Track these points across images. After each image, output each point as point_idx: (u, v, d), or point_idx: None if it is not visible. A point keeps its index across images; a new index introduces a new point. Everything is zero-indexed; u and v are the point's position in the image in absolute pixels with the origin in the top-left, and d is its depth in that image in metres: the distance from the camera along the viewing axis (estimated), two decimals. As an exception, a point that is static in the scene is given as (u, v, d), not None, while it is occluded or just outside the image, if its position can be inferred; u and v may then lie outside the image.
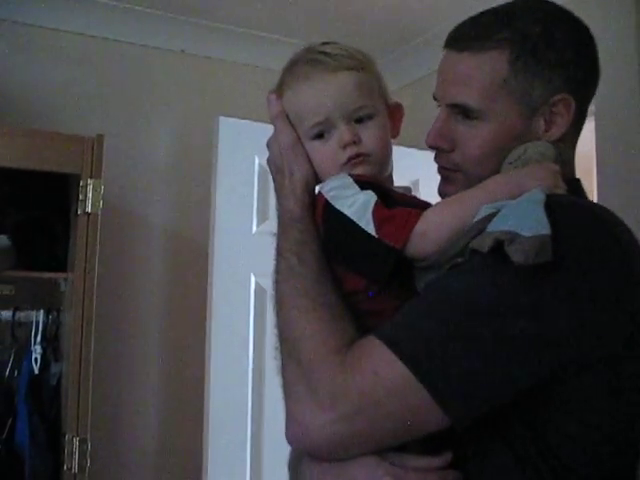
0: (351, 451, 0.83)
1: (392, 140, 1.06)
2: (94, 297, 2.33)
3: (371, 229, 0.89)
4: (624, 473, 0.87)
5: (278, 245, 0.99)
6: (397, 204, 0.93)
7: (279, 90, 1.05)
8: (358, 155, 0.98)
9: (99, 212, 2.38)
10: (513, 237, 0.77)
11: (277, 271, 0.97)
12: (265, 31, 3.15)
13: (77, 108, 2.86)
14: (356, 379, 0.80)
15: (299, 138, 1.02)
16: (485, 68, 0.98)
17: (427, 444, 0.84)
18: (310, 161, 1.01)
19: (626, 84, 1.87)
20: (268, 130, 2.75)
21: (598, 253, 0.81)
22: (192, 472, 2.60)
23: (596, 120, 2.04)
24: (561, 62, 0.97)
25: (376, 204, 0.91)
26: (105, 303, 2.59)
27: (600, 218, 0.86)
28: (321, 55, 1.01)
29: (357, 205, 0.91)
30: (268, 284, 2.82)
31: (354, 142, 0.98)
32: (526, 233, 0.77)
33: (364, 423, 0.80)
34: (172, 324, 2.94)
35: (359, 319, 0.91)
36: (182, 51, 3.10)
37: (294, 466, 1.00)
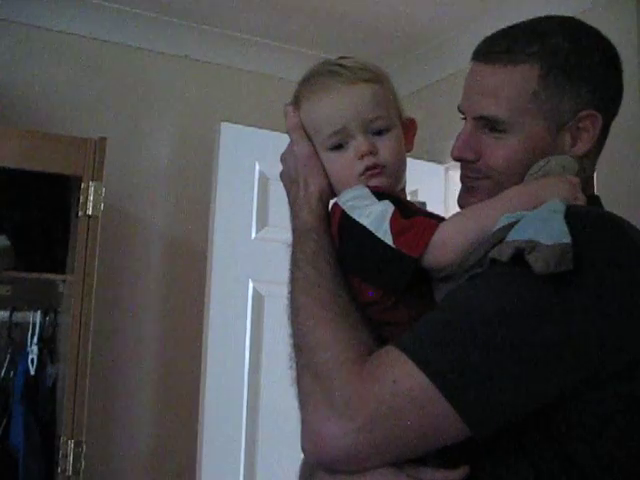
0: (369, 463, 0.81)
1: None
2: (92, 299, 2.33)
3: (389, 239, 0.89)
4: None
5: (293, 255, 0.99)
6: (414, 214, 0.94)
7: (296, 102, 1.06)
8: (375, 166, 0.98)
9: (99, 214, 2.38)
10: (533, 246, 0.77)
11: (292, 281, 0.97)
12: (269, 38, 3.17)
13: (80, 110, 2.86)
14: (375, 389, 0.79)
15: (315, 150, 1.02)
16: (515, 81, 0.98)
17: (445, 458, 0.83)
18: (325, 174, 1.02)
19: (626, 96, 1.88)
20: (269, 137, 2.76)
21: (619, 262, 0.81)
22: (187, 476, 2.60)
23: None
24: (590, 78, 0.98)
25: (393, 214, 0.91)
26: (103, 305, 2.59)
27: (620, 227, 0.85)
28: (338, 67, 1.01)
29: (374, 215, 0.91)
30: (266, 290, 2.85)
31: (371, 153, 0.98)
32: (547, 242, 0.76)
33: (383, 433, 0.78)
34: (169, 328, 2.94)
35: (375, 329, 0.90)
36: (185, 56, 3.11)
37: (303, 469, 0.98)
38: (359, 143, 0.98)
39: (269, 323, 2.62)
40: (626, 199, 1.86)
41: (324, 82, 1.01)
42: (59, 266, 2.49)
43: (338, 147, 1.00)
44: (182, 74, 3.11)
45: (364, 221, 0.92)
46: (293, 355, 0.92)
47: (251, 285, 2.62)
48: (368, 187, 0.97)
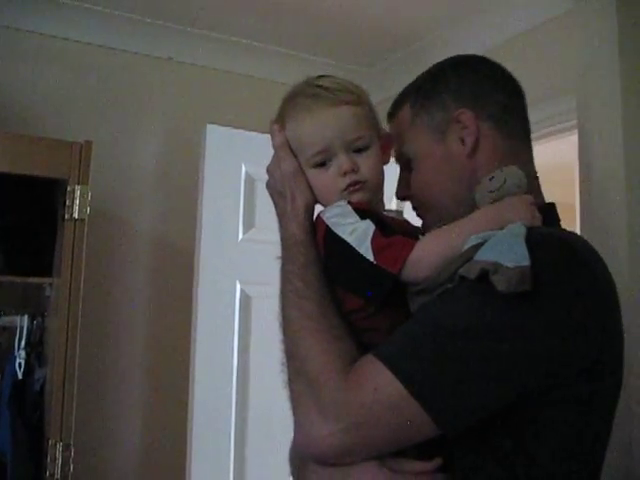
0: (354, 457, 0.93)
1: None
2: (79, 303, 2.33)
3: (370, 256, 0.98)
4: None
5: (283, 267, 1.08)
6: (393, 232, 1.02)
7: (281, 120, 1.13)
8: (356, 183, 1.07)
9: (86, 218, 2.38)
10: (497, 267, 0.86)
11: (283, 293, 1.06)
12: (254, 40, 3.17)
13: (65, 114, 2.86)
14: (358, 395, 0.90)
15: (300, 166, 1.10)
16: (401, 122, 1.17)
17: (422, 450, 0.94)
18: (310, 188, 1.10)
19: (608, 97, 1.90)
20: (255, 139, 2.76)
21: (572, 283, 0.91)
22: (176, 479, 2.60)
23: (579, 132, 2.08)
24: (446, 89, 1.14)
25: (374, 233, 1.00)
26: (90, 309, 2.59)
27: (574, 250, 0.95)
28: (320, 89, 1.09)
29: (357, 233, 1.00)
30: (253, 291, 2.86)
31: (353, 170, 1.07)
32: (509, 264, 0.86)
33: (365, 434, 0.90)
34: (157, 330, 2.94)
35: (357, 335, 1.01)
36: (170, 58, 3.11)
37: (296, 464, 1.10)
38: (341, 162, 1.07)
39: (257, 324, 2.63)
40: (607, 208, 1.88)
41: (307, 104, 1.09)
42: (46, 270, 2.48)
43: (322, 164, 1.09)
44: (168, 76, 3.11)
45: (347, 238, 1.01)
46: (285, 360, 1.02)
47: (238, 286, 2.62)
48: (350, 203, 1.06)
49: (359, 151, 1.08)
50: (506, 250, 0.88)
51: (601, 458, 0.99)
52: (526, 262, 0.86)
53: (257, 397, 2.59)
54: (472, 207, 1.03)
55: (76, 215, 2.36)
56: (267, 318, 2.77)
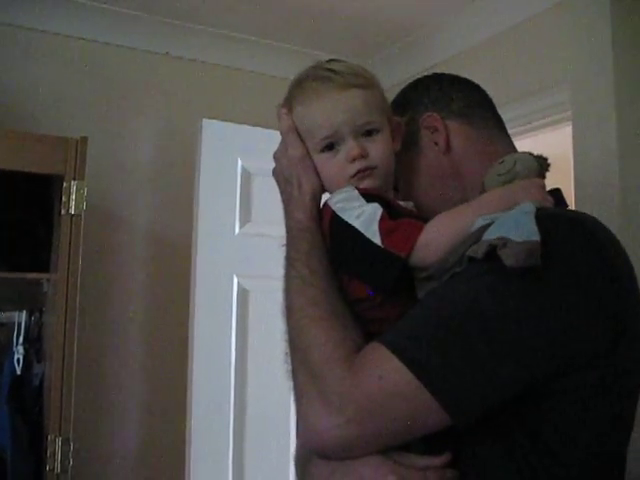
0: (358, 451, 0.88)
1: None
2: (77, 298, 2.33)
3: (377, 240, 0.95)
4: (616, 473, 0.94)
5: (288, 254, 1.04)
6: (401, 216, 0.99)
7: (288, 104, 1.10)
8: (366, 169, 1.04)
9: (82, 213, 2.38)
10: (505, 242, 0.83)
11: (287, 280, 1.02)
12: (249, 34, 3.16)
13: (61, 110, 2.85)
14: (363, 385, 0.85)
15: (308, 151, 1.07)
16: (398, 135, 1.17)
17: (429, 445, 0.89)
18: (317, 174, 1.07)
19: (602, 89, 1.91)
20: (251, 133, 2.77)
21: (583, 260, 0.87)
22: (175, 472, 2.61)
23: (573, 124, 2.08)
24: (409, 106, 1.18)
25: (382, 216, 0.96)
26: (88, 304, 2.59)
27: (587, 228, 0.92)
28: (329, 72, 1.06)
29: (364, 217, 0.97)
30: (251, 285, 2.87)
31: (362, 156, 1.04)
32: (517, 239, 0.83)
33: (371, 425, 0.85)
34: (155, 325, 2.94)
35: (363, 325, 0.97)
36: (166, 53, 3.11)
37: (302, 464, 1.05)
38: (350, 147, 1.04)
39: (254, 317, 2.64)
40: (601, 198, 1.89)
41: (316, 87, 1.05)
42: (43, 265, 2.49)
43: (330, 149, 1.05)
44: (164, 71, 3.10)
45: (354, 222, 0.97)
46: (288, 351, 0.98)
47: (236, 280, 2.63)
48: (357, 189, 1.02)
49: (369, 135, 1.05)
50: (515, 226, 0.85)
51: (625, 444, 0.94)
52: (535, 237, 0.83)
53: (255, 391, 2.60)
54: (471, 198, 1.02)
55: (72, 211, 2.36)
56: (265, 311, 2.82)
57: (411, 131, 1.15)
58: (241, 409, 2.58)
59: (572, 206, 1.91)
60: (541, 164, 1.05)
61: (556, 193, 1.07)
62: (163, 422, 2.86)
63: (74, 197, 2.37)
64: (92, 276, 2.66)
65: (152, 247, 3.00)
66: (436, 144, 1.13)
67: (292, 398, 0.96)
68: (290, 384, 0.96)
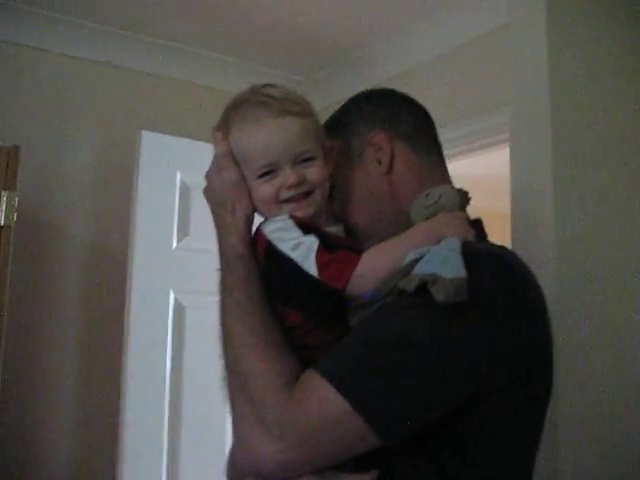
0: (296, 473, 0.93)
1: None
2: (5, 313, 2.26)
3: (314, 272, 0.98)
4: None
5: (223, 281, 1.05)
6: (336, 247, 1.02)
7: (224, 127, 1.10)
8: (306, 193, 1.06)
9: (12, 225, 2.31)
10: (436, 279, 0.89)
11: (224, 307, 1.03)
12: (191, 45, 3.14)
13: (-7, 117, 2.77)
14: (303, 412, 0.90)
15: (243, 176, 1.08)
16: (330, 158, 1.16)
17: (359, 463, 0.94)
18: (251, 199, 1.08)
19: (539, 111, 1.95)
20: (191, 146, 2.73)
21: (504, 293, 0.94)
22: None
23: (510, 145, 2.13)
24: (359, 117, 1.19)
25: (319, 248, 0.99)
26: (20, 317, 2.52)
27: (506, 263, 0.99)
28: (267, 98, 1.06)
29: (301, 249, 1.00)
30: (187, 300, 2.82)
31: (299, 184, 1.05)
32: (446, 275, 0.88)
33: (310, 450, 0.91)
34: (89, 339, 2.86)
35: (296, 352, 1.00)
36: (107, 62, 3.05)
37: (231, 476, 1.11)
38: (287, 175, 1.05)
39: (190, 333, 2.61)
40: (537, 215, 1.93)
41: (254, 112, 1.06)
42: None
43: (266, 174, 1.06)
44: (103, 81, 3.05)
45: (290, 253, 1.00)
46: (226, 374, 1.00)
47: (172, 295, 2.59)
48: (292, 218, 1.04)
49: (305, 161, 1.07)
50: (443, 262, 0.91)
51: (533, 461, 1.02)
52: (462, 274, 0.89)
53: (190, 407, 2.56)
54: (399, 225, 1.07)
55: (2, 222, 2.30)
56: (201, 327, 2.77)
57: (358, 145, 1.17)
58: (176, 426, 2.54)
59: (506, 227, 1.96)
60: (462, 197, 1.11)
61: (477, 224, 1.13)
62: (96, 438, 2.78)
63: (4, 208, 2.30)
64: (23, 289, 2.58)
65: (88, 259, 2.93)
66: (379, 162, 1.15)
67: (227, 416, 0.98)
68: (228, 408, 0.99)
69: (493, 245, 1.08)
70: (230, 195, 1.07)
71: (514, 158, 2.06)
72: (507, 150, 2.14)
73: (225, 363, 1.01)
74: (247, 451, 0.94)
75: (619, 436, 1.88)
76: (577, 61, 2.01)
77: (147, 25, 2.95)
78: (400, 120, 1.18)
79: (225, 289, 1.04)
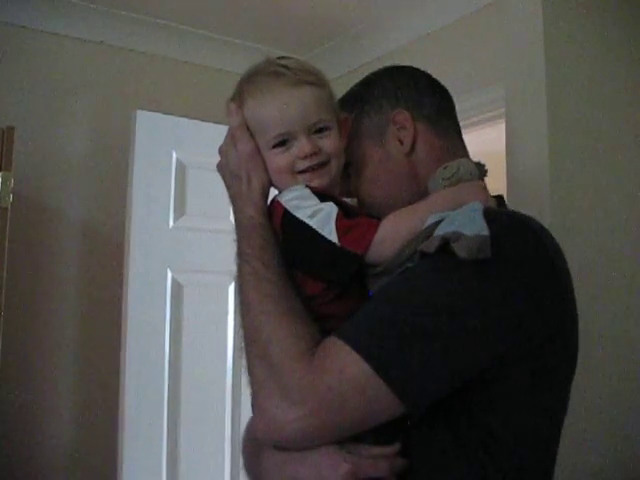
0: (318, 441, 0.92)
1: None
2: (2, 293, 2.26)
3: (334, 237, 0.97)
4: (550, 458, 1.01)
5: (240, 250, 1.04)
6: (355, 214, 1.02)
7: (239, 99, 1.09)
8: (317, 165, 1.06)
9: (8, 206, 2.31)
10: (458, 236, 0.88)
11: (241, 275, 1.02)
12: (187, 25, 3.12)
13: (-13, 97, 2.75)
14: (324, 378, 0.88)
15: (257, 147, 1.07)
16: (344, 131, 1.16)
17: (379, 435, 0.94)
18: (266, 170, 1.08)
19: (534, 86, 1.94)
20: (186, 125, 2.72)
21: (527, 254, 0.93)
22: (107, 471, 2.56)
23: (507, 120, 2.12)
24: (383, 94, 1.17)
25: (338, 215, 0.99)
26: (16, 299, 2.52)
27: (531, 228, 0.97)
28: (282, 68, 1.06)
29: (320, 215, 0.99)
30: (184, 279, 2.83)
31: (314, 153, 1.05)
32: (469, 233, 0.88)
33: (331, 416, 0.88)
34: (87, 319, 2.87)
35: (316, 321, 0.98)
36: (101, 42, 3.03)
37: (250, 453, 1.09)
38: (302, 144, 1.05)
39: (188, 311, 2.61)
40: (533, 196, 1.93)
41: (269, 82, 1.06)
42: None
43: (281, 145, 1.06)
44: (98, 60, 3.03)
45: (309, 221, 0.99)
46: (244, 345, 0.99)
47: (169, 274, 2.60)
48: (309, 187, 1.04)
49: (320, 132, 1.07)
50: (466, 222, 0.90)
51: (557, 437, 1.00)
52: (485, 232, 0.88)
53: (189, 385, 2.57)
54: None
55: (-2, 203, 2.29)
56: (199, 305, 2.78)
57: (378, 121, 1.16)
58: (175, 404, 2.55)
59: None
60: (480, 169, 1.10)
61: (499, 199, 1.12)
62: (96, 419, 2.79)
63: (0, 189, 2.29)
64: (20, 270, 2.59)
65: (84, 240, 2.93)
66: (401, 142, 1.14)
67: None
68: (247, 379, 0.97)
69: (520, 213, 1.05)
70: (245, 166, 1.07)
71: (510, 133, 2.06)
72: (499, 127, 2.14)
73: (244, 333, 0.99)
74: (266, 419, 0.92)
75: (620, 432, 1.90)
76: (573, 33, 2.00)
77: (141, 4, 2.93)
78: (424, 102, 1.17)
79: (242, 259, 1.03)
